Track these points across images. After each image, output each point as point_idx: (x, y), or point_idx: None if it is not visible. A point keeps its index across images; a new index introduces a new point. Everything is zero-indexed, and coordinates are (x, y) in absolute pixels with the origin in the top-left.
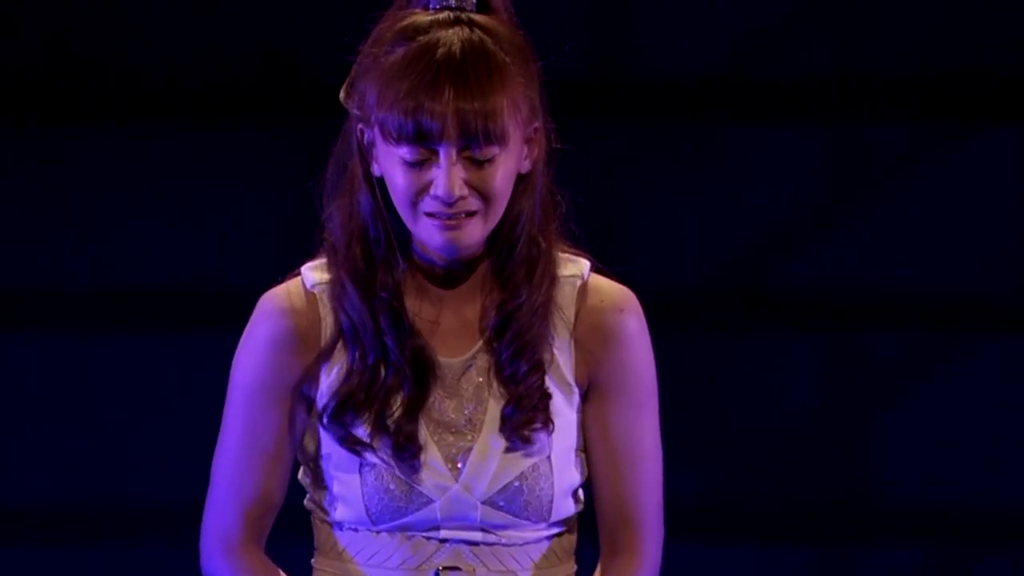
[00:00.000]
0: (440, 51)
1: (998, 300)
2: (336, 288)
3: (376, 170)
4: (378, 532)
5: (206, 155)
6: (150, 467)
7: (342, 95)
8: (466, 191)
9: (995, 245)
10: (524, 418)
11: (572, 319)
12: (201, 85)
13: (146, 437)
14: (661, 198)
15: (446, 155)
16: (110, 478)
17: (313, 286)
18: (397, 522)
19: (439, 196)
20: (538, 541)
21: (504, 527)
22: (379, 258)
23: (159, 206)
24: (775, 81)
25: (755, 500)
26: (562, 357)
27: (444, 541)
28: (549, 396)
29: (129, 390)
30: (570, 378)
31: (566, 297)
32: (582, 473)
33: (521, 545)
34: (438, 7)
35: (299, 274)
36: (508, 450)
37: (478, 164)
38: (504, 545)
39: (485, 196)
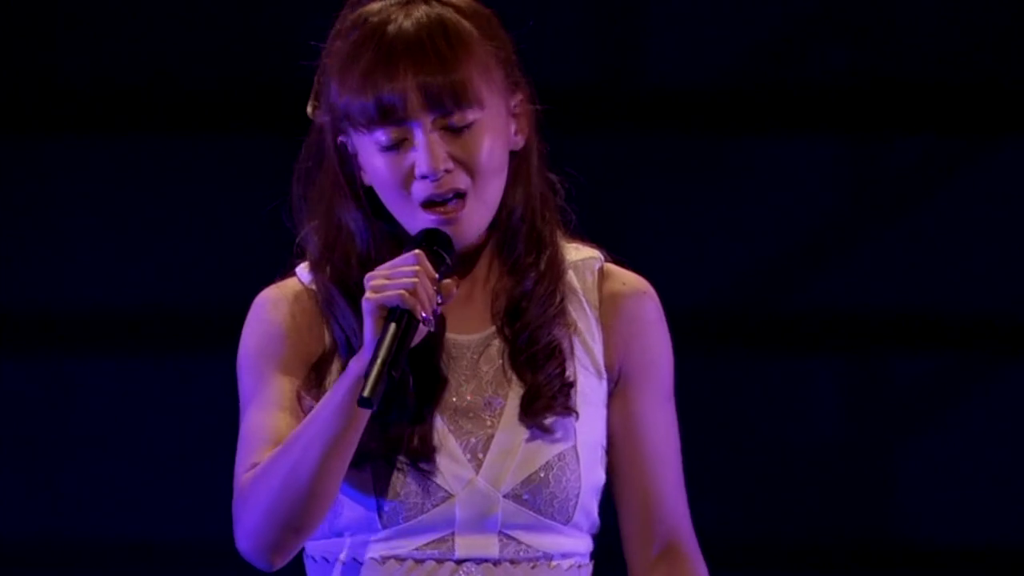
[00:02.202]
0: (391, 27)
1: None
2: (325, 299)
3: (366, 179)
4: (383, 561)
5: (185, 169)
6: (126, 495)
7: (309, 108)
8: (451, 163)
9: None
10: (544, 404)
11: (597, 302)
12: (178, 97)
13: (122, 463)
14: (673, 212)
15: (420, 128)
16: (87, 504)
17: (310, 282)
18: (412, 522)
19: (424, 173)
20: (556, 568)
21: (525, 529)
22: (371, 269)
23: (136, 222)
24: (793, 90)
25: (774, 530)
26: (593, 342)
27: (460, 562)
28: (572, 383)
29: (107, 413)
30: (602, 363)
31: (587, 281)
32: (605, 473)
33: (536, 565)
34: None
35: (293, 274)
36: (530, 439)
37: (456, 132)
38: (524, 559)
39: (472, 168)
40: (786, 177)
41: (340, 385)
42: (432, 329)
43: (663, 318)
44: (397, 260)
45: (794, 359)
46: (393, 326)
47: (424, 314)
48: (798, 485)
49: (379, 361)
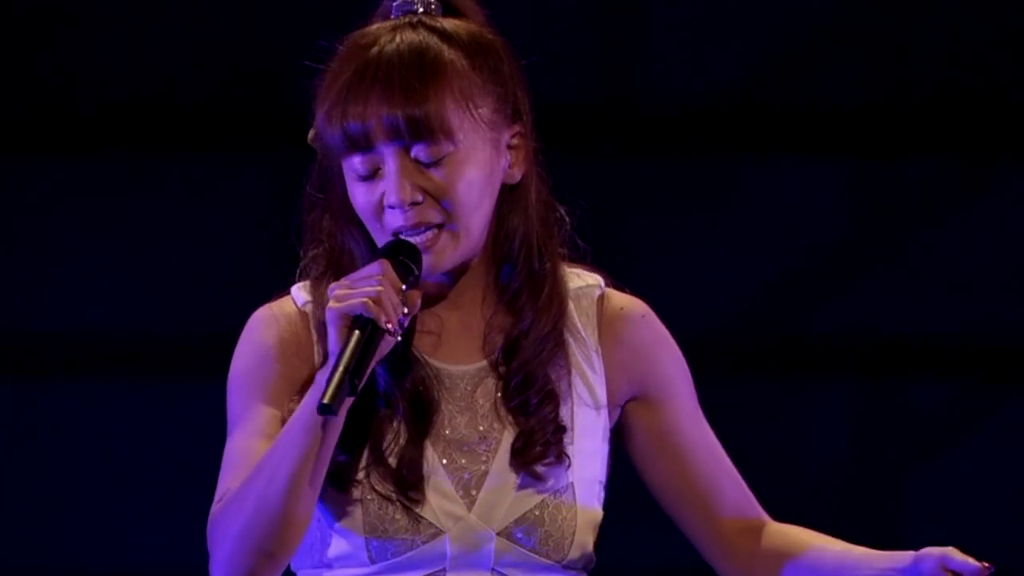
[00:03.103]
0: (372, 51)
1: None
2: (321, 320)
3: None
4: None
5: (167, 189)
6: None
7: (309, 136)
8: (419, 196)
9: None
10: (536, 453)
11: (596, 333)
12: (166, 116)
13: (101, 490)
14: (677, 236)
15: (389, 157)
16: (67, 533)
17: (304, 304)
18: (400, 558)
19: (391, 203)
20: None
21: (519, 567)
22: None
23: (121, 244)
24: (801, 111)
25: None
26: (592, 375)
27: None
28: (564, 429)
29: (86, 437)
30: (602, 396)
31: (586, 311)
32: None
33: None
34: (399, 15)
35: (287, 294)
36: (524, 478)
37: (427, 166)
38: None
39: (444, 202)
40: (793, 200)
41: (308, 401)
42: (398, 339)
43: (666, 332)
44: (362, 269)
45: (801, 385)
46: (356, 333)
47: (389, 324)
48: (807, 511)
49: (341, 368)
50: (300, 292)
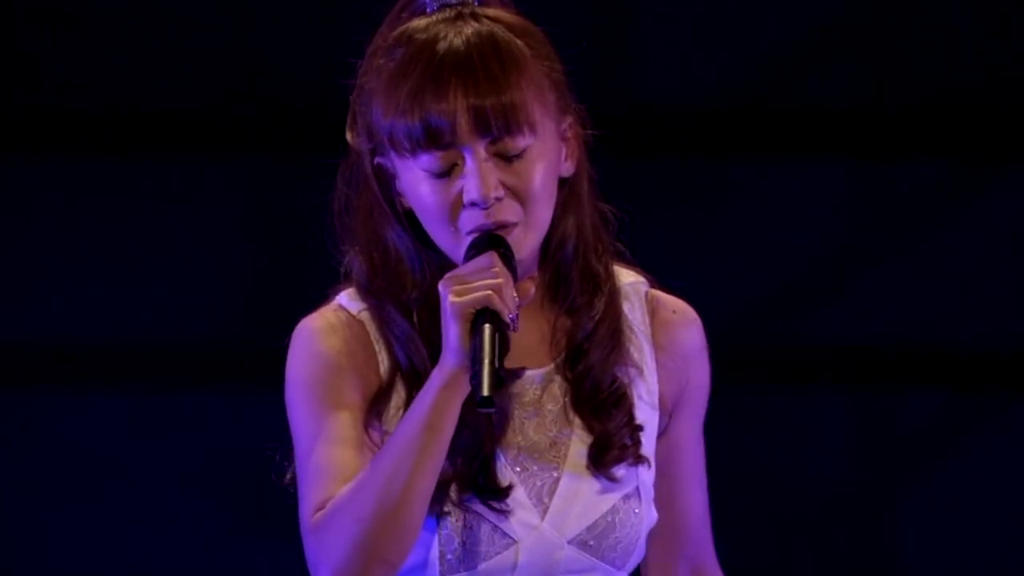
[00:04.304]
0: (441, 44)
1: None
2: (383, 322)
3: (406, 203)
4: None
5: (157, 195)
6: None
7: (348, 134)
8: (502, 192)
9: None
10: (615, 455)
11: (650, 333)
12: (157, 120)
13: (91, 500)
14: (671, 240)
15: (472, 154)
16: (57, 543)
17: (360, 311)
18: (472, 571)
19: (474, 200)
20: None
21: (582, 572)
22: (426, 288)
23: (101, 249)
24: (797, 113)
25: (775, 566)
26: (650, 375)
27: None
28: (640, 428)
29: (77, 448)
30: (657, 396)
31: (637, 310)
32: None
33: None
34: (436, 8)
35: (333, 302)
36: (597, 483)
37: (508, 160)
38: None
39: (523, 197)
40: (789, 203)
41: (423, 399)
42: (516, 331)
43: (706, 343)
44: (473, 263)
45: (796, 392)
46: (488, 326)
47: (509, 315)
48: (801, 521)
49: (487, 360)
50: (349, 300)
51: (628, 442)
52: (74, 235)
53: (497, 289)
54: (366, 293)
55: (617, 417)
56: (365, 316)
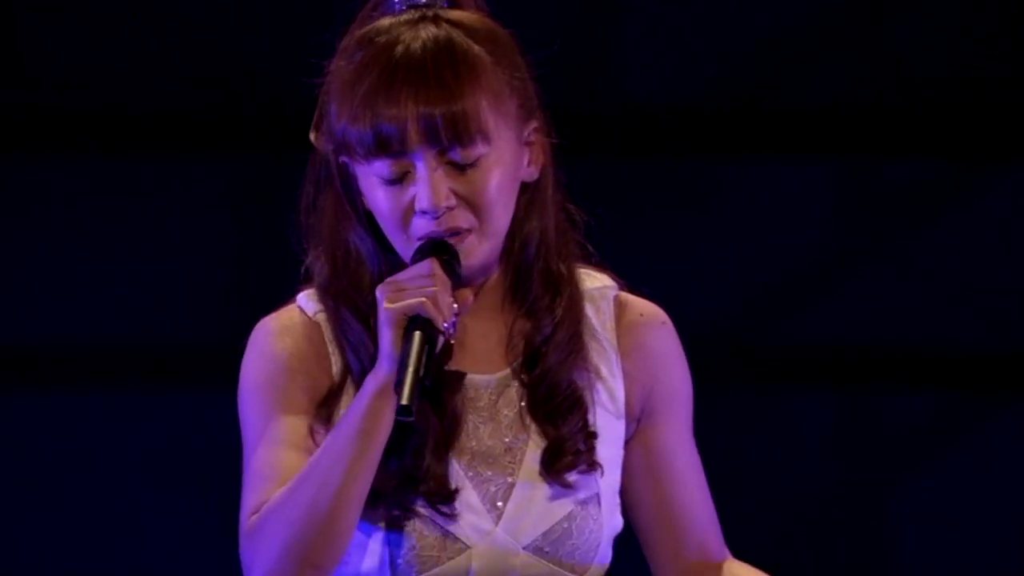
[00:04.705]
0: (398, 49)
1: None
2: (338, 325)
3: (367, 203)
4: None
5: (135, 192)
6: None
7: (312, 134)
8: (453, 200)
9: None
10: (568, 462)
11: (615, 338)
12: (141, 120)
13: (68, 503)
14: (654, 240)
15: (423, 162)
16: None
17: (316, 313)
18: (425, 575)
19: (424, 209)
20: None
21: None
22: None
23: (84, 251)
24: (786, 112)
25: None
26: (614, 381)
27: None
28: (595, 435)
29: (58, 448)
30: (622, 403)
31: (604, 314)
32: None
33: None
34: (404, 8)
35: (292, 303)
36: (553, 489)
37: (462, 169)
38: None
39: (476, 207)
40: (778, 203)
41: (357, 405)
42: (453, 341)
43: (681, 346)
44: (411, 269)
45: (786, 392)
46: (418, 334)
47: (445, 323)
48: (792, 521)
49: (410, 369)
50: (308, 301)
51: (581, 447)
52: (74, 235)
53: (432, 296)
54: (324, 294)
55: (572, 422)
56: (321, 318)
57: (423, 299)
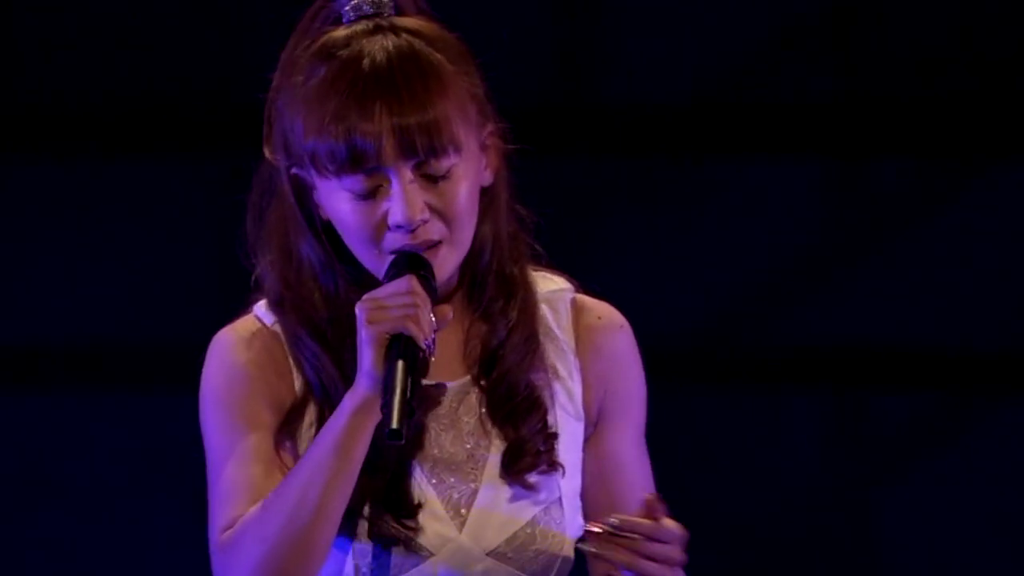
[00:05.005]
0: (365, 62)
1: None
2: (293, 340)
3: (324, 214)
4: None
5: (116, 192)
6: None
7: (265, 149)
8: (427, 213)
9: (1020, 296)
10: (528, 463)
11: (573, 339)
12: (116, 121)
13: (48, 506)
14: (642, 239)
15: (397, 177)
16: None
17: (273, 323)
18: None
19: (399, 223)
20: None
21: None
22: (338, 306)
23: (98, 249)
24: (775, 111)
25: (746, 571)
26: (572, 383)
27: None
28: (555, 436)
29: (43, 449)
30: (581, 404)
31: (561, 316)
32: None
33: None
34: (353, 18)
35: (250, 313)
36: (515, 494)
37: (434, 181)
38: None
39: (448, 218)
40: (762, 203)
41: (335, 422)
42: (432, 358)
43: (638, 352)
44: (390, 286)
45: (768, 395)
46: (401, 362)
47: (425, 340)
48: (773, 525)
49: (398, 391)
50: (264, 310)
51: (541, 447)
52: (73, 234)
53: (414, 315)
54: (276, 307)
55: (531, 423)
56: (279, 328)
57: (406, 318)
